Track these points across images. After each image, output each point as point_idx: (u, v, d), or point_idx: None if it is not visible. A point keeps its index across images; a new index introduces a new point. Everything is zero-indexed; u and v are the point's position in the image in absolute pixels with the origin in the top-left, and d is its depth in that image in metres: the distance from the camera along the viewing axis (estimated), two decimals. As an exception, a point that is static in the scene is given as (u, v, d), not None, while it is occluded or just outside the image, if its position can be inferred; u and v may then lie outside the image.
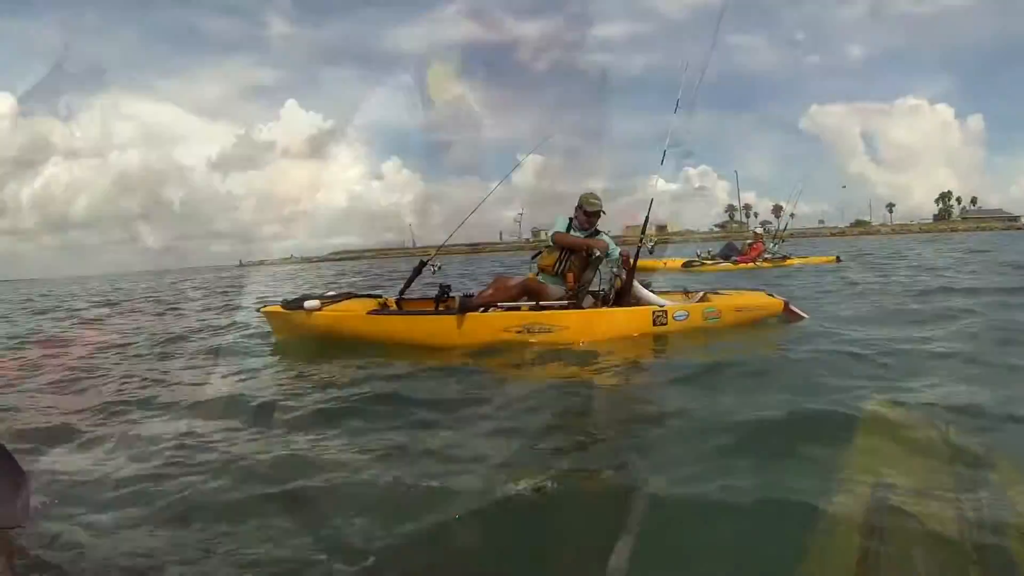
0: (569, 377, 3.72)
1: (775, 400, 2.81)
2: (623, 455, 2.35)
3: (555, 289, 4.71)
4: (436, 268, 5.14)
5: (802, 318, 4.96)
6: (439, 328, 4.50)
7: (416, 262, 5.09)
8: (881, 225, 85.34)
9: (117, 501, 1.95)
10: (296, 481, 2.07)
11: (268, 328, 5.27)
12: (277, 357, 4.74)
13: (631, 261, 4.83)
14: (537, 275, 4.78)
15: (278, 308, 4.87)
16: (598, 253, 4.65)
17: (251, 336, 5.72)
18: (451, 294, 4.91)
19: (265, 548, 1.61)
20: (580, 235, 4.75)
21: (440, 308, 4.78)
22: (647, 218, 4.92)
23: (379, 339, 4.57)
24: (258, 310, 5.25)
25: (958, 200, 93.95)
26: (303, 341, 4.86)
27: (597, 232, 4.84)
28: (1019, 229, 67.62)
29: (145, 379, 4.06)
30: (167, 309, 10.20)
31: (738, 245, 12.80)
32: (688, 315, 4.75)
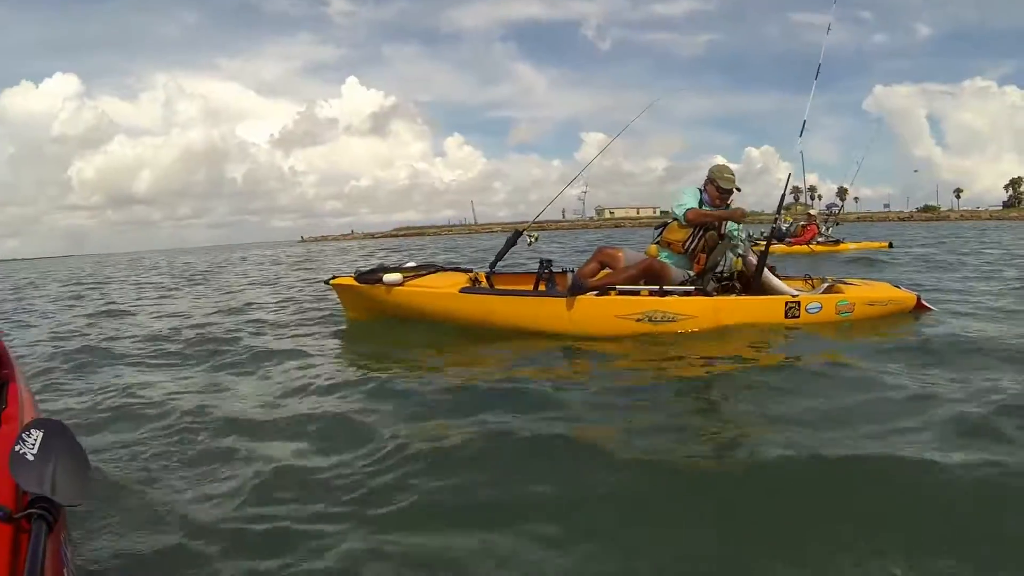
0: (701, 377, 3.11)
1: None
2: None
3: (678, 272, 4.02)
4: (533, 239, 4.46)
5: (931, 311, 4.33)
6: (546, 311, 3.87)
7: (491, 237, 4.43)
8: (950, 211, 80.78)
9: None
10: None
11: (338, 304, 4.75)
12: (353, 342, 4.21)
13: (765, 243, 4.13)
14: (659, 252, 4.08)
15: (351, 280, 4.31)
16: (736, 230, 3.97)
17: (316, 315, 5.23)
18: (553, 270, 4.26)
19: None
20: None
21: (540, 287, 4.14)
22: (783, 195, 4.15)
23: (473, 321, 3.97)
24: (326, 282, 4.67)
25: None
26: (381, 320, 4.32)
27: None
28: None
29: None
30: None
31: (784, 227, 11.98)
32: (822, 308, 4.03)
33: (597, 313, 3.81)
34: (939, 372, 2.93)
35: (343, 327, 4.60)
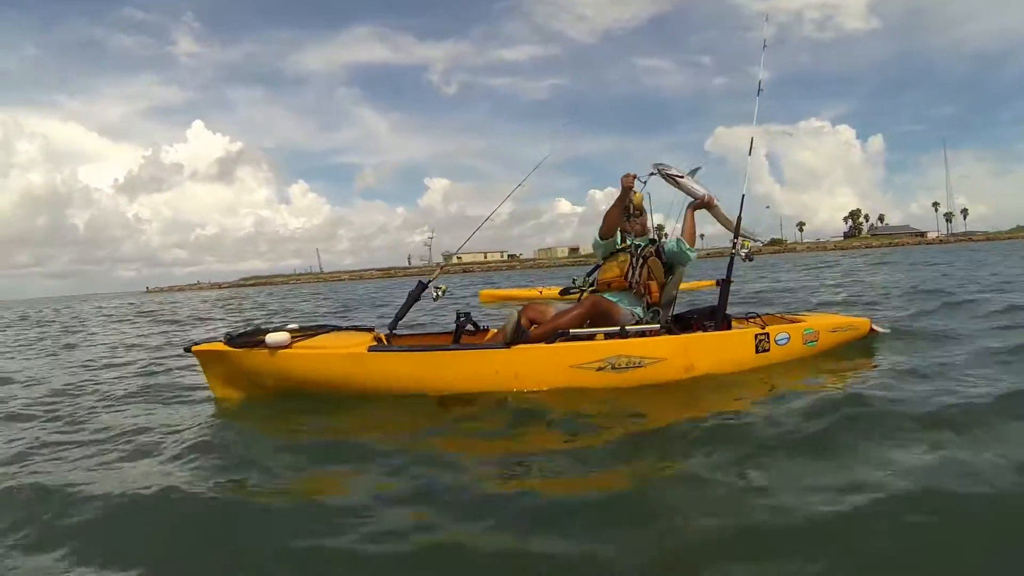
0: (699, 444, 2.29)
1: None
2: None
3: (627, 310, 3.36)
4: (440, 292, 3.63)
5: (881, 333, 4.14)
6: (486, 367, 3.01)
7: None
8: (796, 243, 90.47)
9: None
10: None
11: (200, 377, 3.56)
12: (229, 432, 3.06)
13: (728, 272, 3.63)
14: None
15: (220, 346, 3.20)
16: (686, 249, 3.51)
17: (163, 390, 3.94)
18: (476, 324, 3.46)
19: None
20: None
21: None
22: (739, 218, 3.67)
23: (388, 387, 3.02)
24: (187, 349, 3.46)
25: (866, 217, 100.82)
26: (259, 399, 3.22)
27: (654, 241, 3.67)
28: (929, 243, 72.95)
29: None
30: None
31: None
32: (790, 338, 3.58)
33: (548, 364, 3.03)
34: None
35: (209, 410, 3.39)
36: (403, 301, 3.58)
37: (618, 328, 3.15)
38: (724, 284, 3.59)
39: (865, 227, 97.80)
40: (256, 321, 10.36)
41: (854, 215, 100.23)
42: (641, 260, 3.48)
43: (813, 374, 3.39)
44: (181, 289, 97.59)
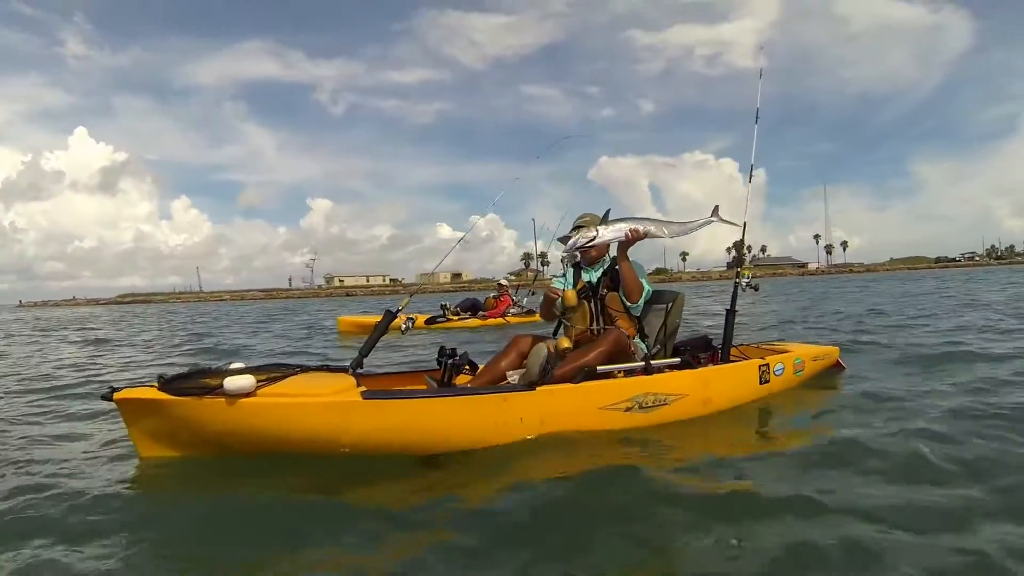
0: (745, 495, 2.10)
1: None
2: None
3: (639, 346, 3.12)
4: (408, 327, 3.17)
5: (843, 369, 4.22)
6: (508, 413, 2.57)
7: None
8: (680, 272, 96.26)
9: None
10: None
11: (120, 430, 2.78)
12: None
13: (732, 302, 3.51)
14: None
15: (153, 393, 2.49)
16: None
17: (61, 442, 3.06)
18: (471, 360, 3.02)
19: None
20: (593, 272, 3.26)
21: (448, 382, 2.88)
22: (741, 244, 3.55)
23: (387, 444, 2.48)
24: (106, 397, 2.62)
25: (748, 248, 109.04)
26: (203, 454, 2.55)
27: (609, 268, 3.28)
28: (811, 274, 78.80)
29: None
30: None
31: (480, 299, 11.89)
32: (784, 368, 3.58)
33: (577, 407, 2.67)
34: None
35: (127, 471, 2.61)
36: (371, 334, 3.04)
37: (642, 364, 2.88)
38: (729, 315, 3.47)
39: (748, 257, 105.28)
40: (190, 349, 8.78)
41: (737, 246, 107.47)
42: (599, 304, 3.15)
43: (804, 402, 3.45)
44: (57, 304, 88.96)
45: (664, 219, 3.10)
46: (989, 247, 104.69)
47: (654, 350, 3.23)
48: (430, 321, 10.34)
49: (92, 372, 6.18)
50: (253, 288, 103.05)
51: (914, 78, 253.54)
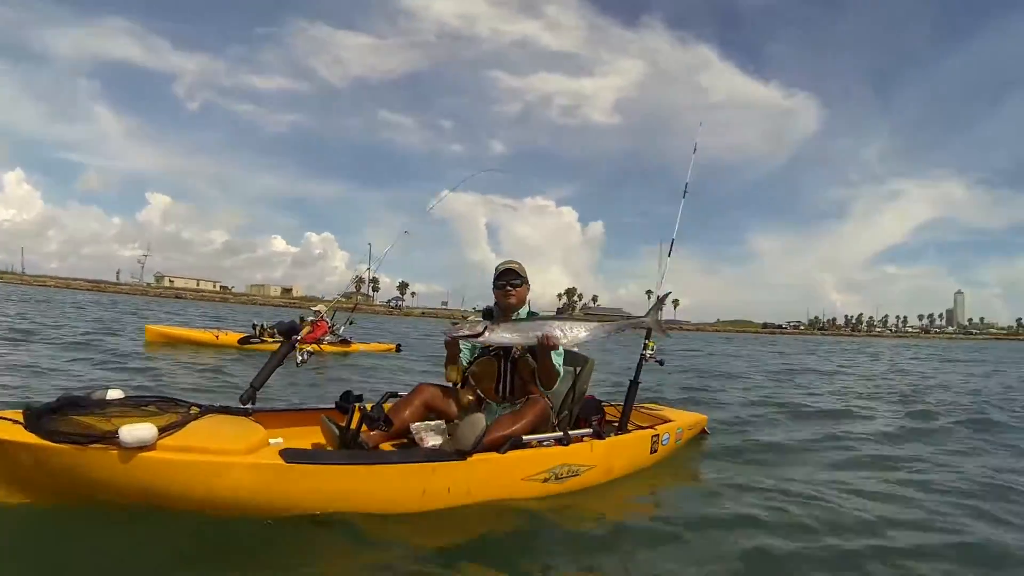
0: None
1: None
2: None
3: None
4: (304, 359, 3.17)
5: (707, 435, 4.66)
6: (437, 482, 2.49)
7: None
8: None
9: None
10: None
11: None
12: None
13: (636, 373, 3.78)
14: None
15: (20, 434, 2.06)
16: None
17: None
18: (381, 416, 2.65)
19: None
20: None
21: (355, 433, 2.62)
22: (654, 313, 3.29)
23: (305, 508, 2.28)
24: None
25: (579, 296, 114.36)
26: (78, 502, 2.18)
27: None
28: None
29: None
30: None
31: (297, 321, 11.94)
32: (670, 438, 3.94)
33: (503, 477, 2.68)
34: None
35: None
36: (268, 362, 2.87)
37: (561, 434, 3.00)
38: (632, 386, 3.69)
39: (579, 305, 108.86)
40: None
41: (569, 292, 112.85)
42: (510, 365, 3.02)
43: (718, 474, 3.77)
44: None
45: (582, 318, 2.94)
46: (813, 317, 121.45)
47: (561, 415, 3.27)
48: (243, 341, 9.89)
49: None
50: (79, 277, 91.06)
51: (762, 152, 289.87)
